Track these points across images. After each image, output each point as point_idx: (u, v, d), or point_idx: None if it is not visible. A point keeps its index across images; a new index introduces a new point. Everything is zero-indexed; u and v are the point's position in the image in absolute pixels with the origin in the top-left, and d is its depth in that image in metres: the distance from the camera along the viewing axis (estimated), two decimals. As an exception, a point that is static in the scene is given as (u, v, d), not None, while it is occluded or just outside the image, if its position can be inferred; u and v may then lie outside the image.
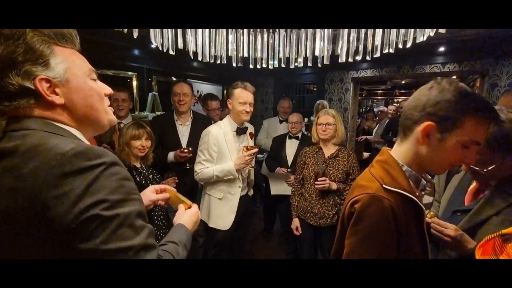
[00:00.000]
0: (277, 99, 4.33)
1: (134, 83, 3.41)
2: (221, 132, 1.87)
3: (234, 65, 1.70)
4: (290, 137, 2.71)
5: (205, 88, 4.30)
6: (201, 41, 1.54)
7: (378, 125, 4.75)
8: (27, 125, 0.57)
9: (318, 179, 1.82)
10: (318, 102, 3.61)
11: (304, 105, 4.65)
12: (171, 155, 2.27)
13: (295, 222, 2.05)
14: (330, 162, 1.92)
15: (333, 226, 1.89)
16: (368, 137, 4.59)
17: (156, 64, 3.60)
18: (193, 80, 4.13)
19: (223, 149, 1.86)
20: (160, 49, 1.46)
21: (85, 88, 0.64)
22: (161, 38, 1.43)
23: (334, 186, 1.85)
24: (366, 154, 4.46)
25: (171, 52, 1.43)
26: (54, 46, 0.60)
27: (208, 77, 4.34)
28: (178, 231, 0.78)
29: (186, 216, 0.86)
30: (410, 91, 6.54)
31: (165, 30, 1.46)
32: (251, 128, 2.06)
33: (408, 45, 1.29)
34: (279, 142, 2.78)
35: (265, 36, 1.70)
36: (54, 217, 0.48)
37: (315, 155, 1.97)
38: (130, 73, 3.38)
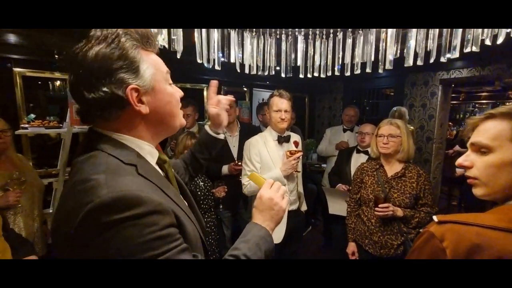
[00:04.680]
0: (346, 106, 4.02)
1: (205, 93, 3.73)
2: (261, 142, 1.84)
3: (283, 75, 1.63)
4: (358, 151, 2.35)
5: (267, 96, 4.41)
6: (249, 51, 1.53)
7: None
8: (98, 145, 0.53)
9: (379, 206, 1.54)
10: (394, 109, 3.16)
11: (378, 112, 4.15)
12: (225, 168, 2.34)
13: (351, 247, 1.80)
14: (394, 183, 1.62)
15: (397, 259, 1.59)
16: (461, 149, 3.77)
17: (225, 76, 3.86)
18: (258, 89, 4.27)
19: (265, 158, 1.82)
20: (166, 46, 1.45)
21: (166, 94, 0.60)
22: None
23: (400, 213, 1.55)
24: (459, 171, 3.66)
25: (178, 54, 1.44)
26: (141, 50, 0.55)
27: (273, 86, 4.41)
28: (245, 237, 0.65)
29: (263, 199, 0.71)
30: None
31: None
32: (295, 137, 1.96)
33: (500, 40, 0.96)
34: (345, 155, 2.47)
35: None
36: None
37: (375, 174, 1.69)
38: (202, 85, 3.72)
